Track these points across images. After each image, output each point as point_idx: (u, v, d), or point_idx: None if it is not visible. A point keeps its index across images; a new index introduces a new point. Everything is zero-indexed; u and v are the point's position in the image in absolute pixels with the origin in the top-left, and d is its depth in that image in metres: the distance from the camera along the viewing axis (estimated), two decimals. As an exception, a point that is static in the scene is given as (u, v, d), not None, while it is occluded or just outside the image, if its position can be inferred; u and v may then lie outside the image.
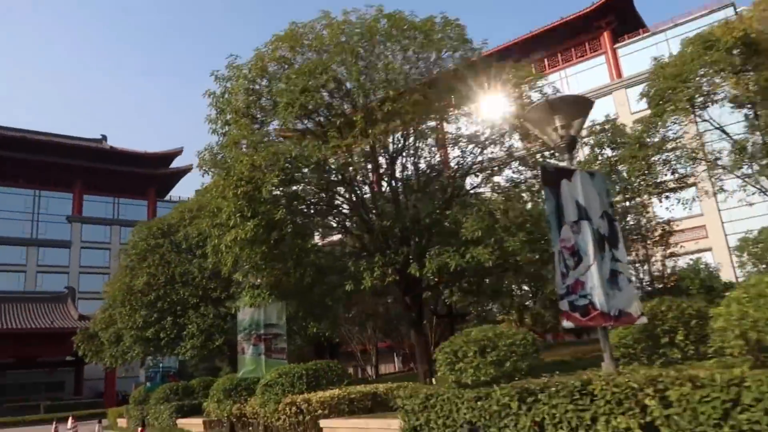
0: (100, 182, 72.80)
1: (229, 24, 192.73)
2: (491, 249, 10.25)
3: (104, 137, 77.97)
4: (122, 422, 25.45)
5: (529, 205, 12.44)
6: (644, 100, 18.99)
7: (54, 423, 26.69)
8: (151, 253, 19.62)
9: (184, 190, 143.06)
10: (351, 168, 11.42)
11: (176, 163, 76.71)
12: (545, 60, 48.05)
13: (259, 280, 12.91)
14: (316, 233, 14.08)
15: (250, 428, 14.61)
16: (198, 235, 19.37)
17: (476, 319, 28.51)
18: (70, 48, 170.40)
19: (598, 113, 12.85)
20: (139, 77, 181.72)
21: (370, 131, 10.37)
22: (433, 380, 12.14)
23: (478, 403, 7.96)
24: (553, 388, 6.97)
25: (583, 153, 20.48)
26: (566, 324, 7.25)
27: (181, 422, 19.12)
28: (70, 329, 47.93)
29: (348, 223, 13.99)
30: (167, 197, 79.43)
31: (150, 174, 74.55)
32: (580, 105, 7.98)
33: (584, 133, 15.36)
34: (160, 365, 22.92)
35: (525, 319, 26.40)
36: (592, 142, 19.10)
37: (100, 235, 71.86)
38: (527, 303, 26.26)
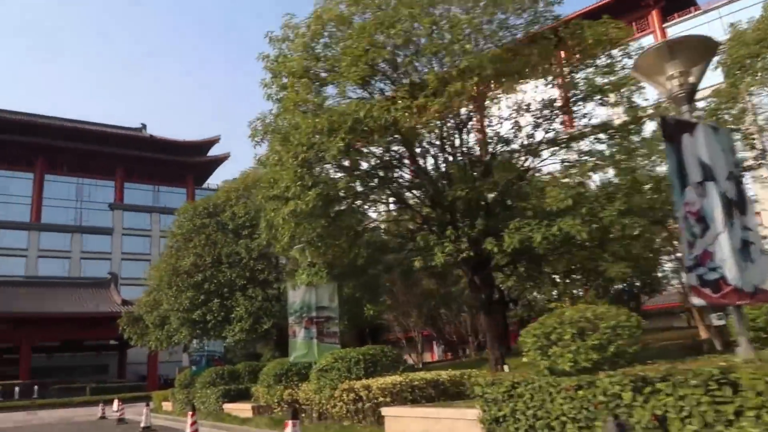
0: (141, 170, 73.55)
1: (279, 6, 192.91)
2: (581, 220, 9.09)
3: (144, 126, 78.69)
4: (167, 405, 25.15)
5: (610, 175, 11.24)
6: (718, 70, 17.49)
7: (101, 405, 26.60)
8: (197, 233, 18.92)
9: (221, 178, 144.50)
10: (422, 132, 10.26)
11: (214, 152, 77.09)
12: (590, 40, 45.95)
13: (311, 259, 12.01)
14: (373, 208, 13.00)
15: (303, 415, 13.83)
16: (245, 215, 18.74)
17: (521, 307, 27.34)
18: (106, 34, 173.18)
19: (653, 93, 11.47)
20: (176, 65, 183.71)
21: (445, 90, 9.25)
22: (505, 367, 11.13)
23: (579, 392, 6.93)
24: (680, 377, 5.88)
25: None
26: (696, 301, 6.14)
27: (228, 407, 18.56)
28: (114, 313, 48.42)
29: (408, 197, 12.82)
30: (205, 185, 79.79)
31: (188, 162, 74.96)
32: (703, 48, 6.78)
33: (650, 111, 14.01)
34: (205, 349, 22.49)
35: (577, 307, 25.10)
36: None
37: (140, 223, 72.72)
38: (576, 291, 24.88)
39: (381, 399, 11.36)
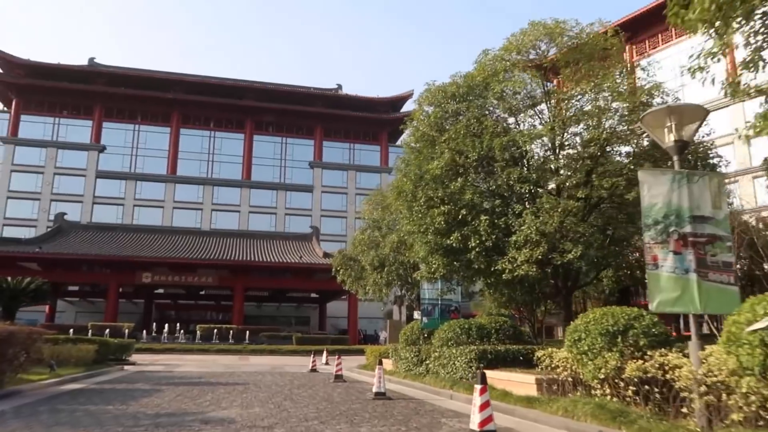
0: (337, 128, 72.24)
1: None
2: None
3: (339, 86, 77.27)
4: (387, 364, 20.24)
5: None
6: None
7: (312, 356, 22.88)
8: (452, 121, 12.81)
9: None
10: None
11: (406, 108, 72.95)
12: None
13: None
14: None
15: (685, 410, 7.18)
16: (528, 87, 12.31)
17: None
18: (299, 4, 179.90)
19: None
20: (366, 23, 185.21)
21: None
22: None
23: None
24: None
25: None
26: None
27: (488, 376, 12.61)
28: (316, 265, 46.63)
29: None
30: (398, 142, 76.37)
31: (381, 119, 71.89)
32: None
33: None
34: (438, 298, 17.06)
35: None
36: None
37: (337, 180, 71.59)
38: None
39: None
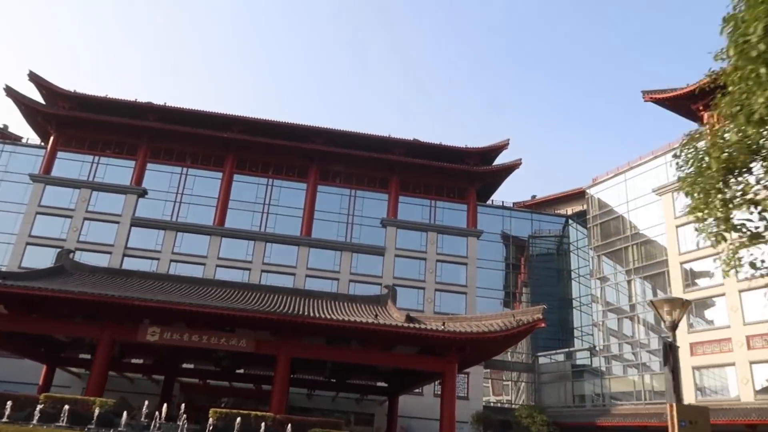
0: (416, 182, 57.58)
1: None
2: None
3: (416, 140, 63.81)
4: None
5: None
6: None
7: None
8: None
9: (506, 194, 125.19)
10: None
11: (500, 160, 58.01)
12: None
13: None
14: None
15: None
16: None
17: None
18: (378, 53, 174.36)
19: None
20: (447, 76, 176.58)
21: None
22: None
23: None
24: None
25: None
26: None
27: None
28: (396, 329, 29.70)
29: None
30: (489, 201, 60.74)
31: (470, 172, 56.85)
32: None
33: None
34: None
35: None
36: None
37: (414, 243, 55.60)
38: None
39: None
